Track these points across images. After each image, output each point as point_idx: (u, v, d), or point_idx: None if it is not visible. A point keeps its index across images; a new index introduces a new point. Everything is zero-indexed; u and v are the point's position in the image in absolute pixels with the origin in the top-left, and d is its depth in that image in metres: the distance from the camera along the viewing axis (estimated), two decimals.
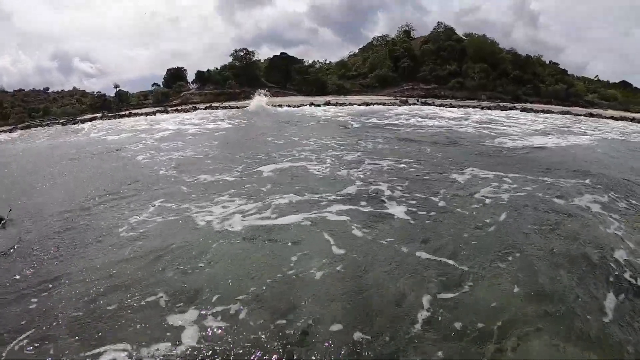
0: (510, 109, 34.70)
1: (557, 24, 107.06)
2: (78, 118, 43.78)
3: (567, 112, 34.53)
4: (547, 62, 61.21)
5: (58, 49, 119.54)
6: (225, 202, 8.32)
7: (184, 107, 40.55)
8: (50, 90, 71.30)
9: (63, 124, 39.86)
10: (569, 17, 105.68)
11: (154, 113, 37.71)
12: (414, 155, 12.71)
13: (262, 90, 39.45)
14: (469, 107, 35.51)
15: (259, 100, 35.87)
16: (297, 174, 10.58)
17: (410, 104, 36.47)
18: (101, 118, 41.44)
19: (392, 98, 41.27)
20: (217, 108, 36.41)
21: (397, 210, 7.91)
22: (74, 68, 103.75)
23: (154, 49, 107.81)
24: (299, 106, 34.42)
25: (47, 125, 41.17)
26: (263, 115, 27.53)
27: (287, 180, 9.90)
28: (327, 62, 59.97)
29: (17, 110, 61.17)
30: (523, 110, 34.24)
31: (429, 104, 36.98)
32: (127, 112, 41.15)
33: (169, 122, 26.42)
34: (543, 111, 34.18)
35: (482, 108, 34.51)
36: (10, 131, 36.45)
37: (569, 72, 60.00)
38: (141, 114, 37.69)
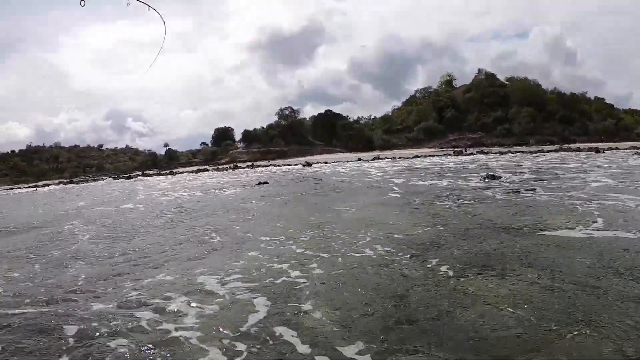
0: (566, 150, 30.45)
1: (595, 58, 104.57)
2: (121, 175, 44.52)
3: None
4: (592, 98, 57.75)
5: (112, 108, 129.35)
6: None
7: (231, 165, 40.30)
8: (104, 147, 74.50)
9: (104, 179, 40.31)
10: (606, 49, 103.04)
11: (194, 172, 37.37)
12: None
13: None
14: (524, 152, 31.60)
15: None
16: None
17: (465, 154, 33.20)
18: (142, 175, 41.98)
19: (439, 150, 38.61)
20: (259, 166, 35.46)
21: None
22: (127, 127, 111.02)
23: (202, 109, 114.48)
24: (345, 162, 32.54)
25: (93, 180, 42.07)
26: (302, 176, 25.44)
27: None
28: (372, 117, 59.88)
29: (72, 164, 64.90)
30: (577, 150, 29.65)
31: (486, 153, 33.60)
32: (168, 172, 41.43)
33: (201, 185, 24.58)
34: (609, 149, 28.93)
35: (542, 152, 30.53)
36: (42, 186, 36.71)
37: (615, 106, 56.04)
38: (180, 173, 37.41)
